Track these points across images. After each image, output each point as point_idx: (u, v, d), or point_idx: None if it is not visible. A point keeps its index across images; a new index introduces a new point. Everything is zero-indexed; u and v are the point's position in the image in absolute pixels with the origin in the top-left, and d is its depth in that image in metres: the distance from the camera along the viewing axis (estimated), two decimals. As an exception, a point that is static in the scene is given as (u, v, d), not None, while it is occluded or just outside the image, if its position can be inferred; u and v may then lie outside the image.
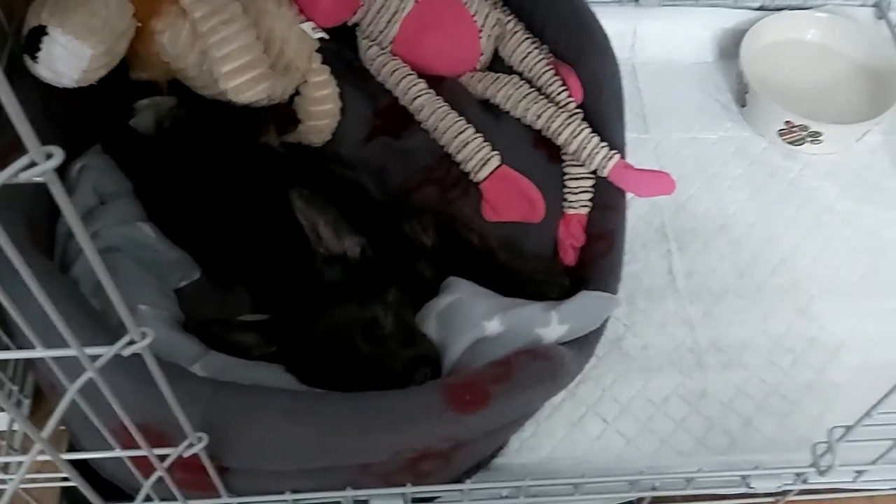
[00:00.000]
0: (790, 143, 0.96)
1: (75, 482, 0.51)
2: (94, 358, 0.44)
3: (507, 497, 0.69)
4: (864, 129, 0.95)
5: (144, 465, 0.56)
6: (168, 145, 0.79)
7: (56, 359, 0.45)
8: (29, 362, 0.65)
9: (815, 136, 0.94)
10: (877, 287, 0.87)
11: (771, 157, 0.97)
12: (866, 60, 1.01)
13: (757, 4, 1.05)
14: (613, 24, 0.96)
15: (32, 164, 0.33)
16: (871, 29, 1.04)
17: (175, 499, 0.62)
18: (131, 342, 0.44)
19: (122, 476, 0.63)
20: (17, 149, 0.34)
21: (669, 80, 1.03)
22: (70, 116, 0.76)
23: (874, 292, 0.86)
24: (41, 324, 0.41)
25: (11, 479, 0.51)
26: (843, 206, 0.93)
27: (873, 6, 1.06)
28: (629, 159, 0.81)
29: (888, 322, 0.84)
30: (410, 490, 0.64)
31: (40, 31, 0.67)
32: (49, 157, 0.33)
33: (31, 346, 0.43)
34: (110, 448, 0.52)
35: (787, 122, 0.94)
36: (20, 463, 0.64)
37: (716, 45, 1.05)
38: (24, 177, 0.32)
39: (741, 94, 0.99)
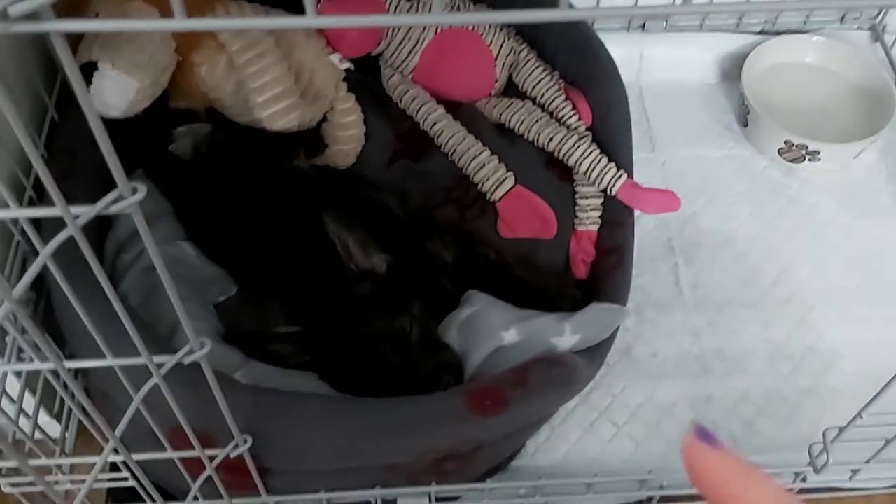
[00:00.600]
0: (790, 161, 1.01)
1: (139, 479, 0.57)
2: (159, 366, 0.49)
3: (524, 496, 0.74)
4: (860, 148, 1.00)
5: (193, 467, 0.61)
6: (205, 169, 0.85)
7: (122, 370, 0.50)
8: (83, 373, 0.71)
9: (814, 155, 0.98)
10: (872, 297, 0.91)
11: (772, 174, 1.02)
12: (862, 81, 1.06)
13: (758, 29, 1.09)
14: (621, 49, 1.01)
15: (120, 198, 0.39)
16: (867, 51, 1.09)
17: (218, 498, 0.67)
18: (191, 351, 0.49)
19: (165, 477, 0.68)
20: (68, 177, 0.38)
21: (675, 102, 1.07)
22: (115, 144, 0.81)
23: (870, 302, 0.91)
24: (102, 335, 0.47)
25: (82, 480, 0.56)
26: (841, 220, 0.98)
27: (869, 30, 1.11)
28: (637, 177, 0.86)
29: (883, 330, 0.88)
30: (435, 489, 0.69)
31: (91, 67, 0.73)
32: (135, 191, 0.38)
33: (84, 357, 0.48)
34: (156, 451, 0.57)
35: (786, 141, 0.98)
36: (68, 466, 0.70)
37: (719, 68, 1.10)
38: (115, 209, 0.38)
39: (743, 115, 1.04)
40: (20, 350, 0.66)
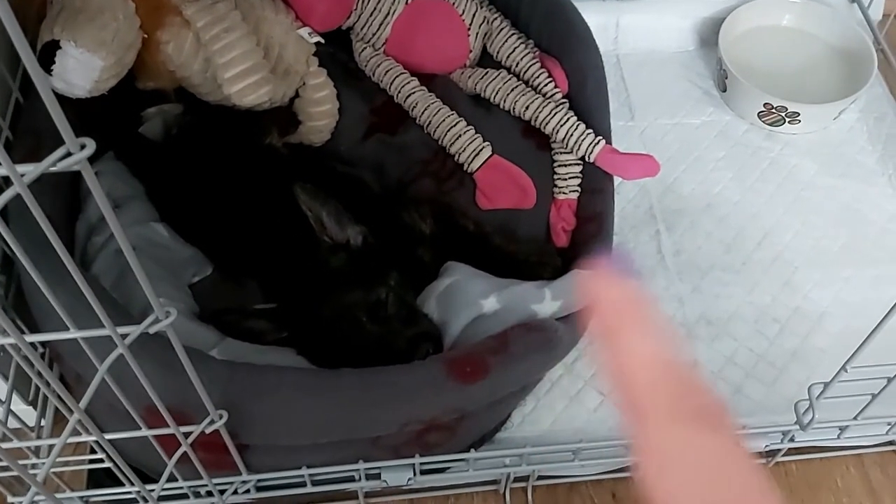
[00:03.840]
0: (770, 124, 1.00)
1: (113, 459, 0.56)
2: (124, 337, 0.48)
3: (510, 465, 0.73)
4: (840, 108, 0.99)
5: (169, 445, 0.60)
6: (176, 150, 0.83)
7: (87, 342, 0.49)
8: (55, 355, 0.69)
9: (794, 117, 0.98)
10: (856, 257, 0.91)
11: (752, 138, 1.01)
12: (840, 43, 1.05)
13: (734, -7, 1.09)
14: (597, 17, 1.01)
15: (68, 155, 0.37)
16: (844, 12, 1.08)
17: (197, 478, 0.66)
18: (156, 321, 0.48)
19: (144, 459, 0.67)
20: (37, 156, 0.38)
21: (652, 70, 1.07)
22: (83, 125, 0.80)
23: (854, 262, 0.90)
24: (70, 311, 0.45)
25: (61, 464, 0.55)
26: (822, 181, 0.97)
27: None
28: (616, 146, 0.85)
29: (867, 289, 0.88)
30: (419, 461, 0.68)
31: (54, 46, 0.71)
32: (83, 147, 0.37)
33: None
34: (100, 437, 0.56)
35: (766, 104, 0.98)
36: (46, 452, 0.68)
37: (696, 34, 1.09)
38: (62, 165, 0.36)
39: (721, 80, 1.03)
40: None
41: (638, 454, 0.24)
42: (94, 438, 0.54)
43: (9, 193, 0.37)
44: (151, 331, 0.48)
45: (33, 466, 0.67)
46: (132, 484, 0.63)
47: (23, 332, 0.46)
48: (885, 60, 1.02)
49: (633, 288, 0.26)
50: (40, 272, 0.42)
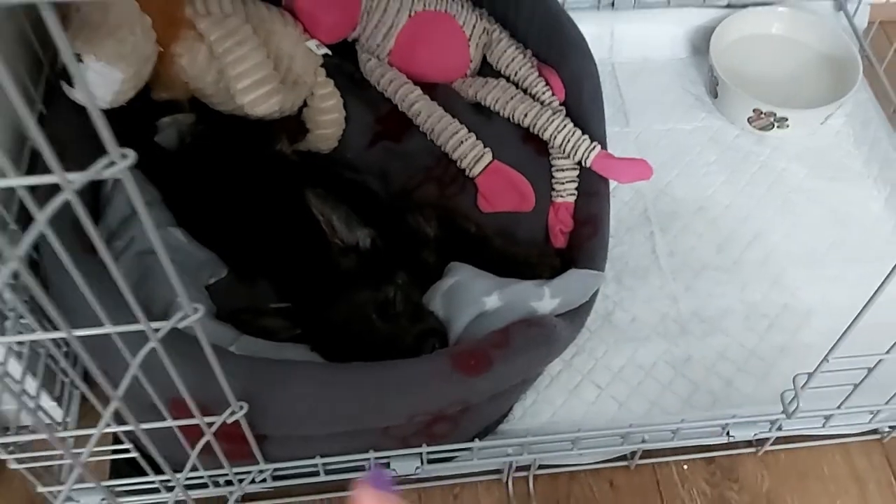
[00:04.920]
0: (759, 129, 1.04)
1: (138, 447, 0.59)
2: (155, 332, 0.52)
3: (512, 455, 0.77)
4: (827, 113, 1.03)
5: (192, 436, 0.64)
6: (191, 158, 0.87)
7: (119, 338, 0.53)
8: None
9: (783, 122, 1.02)
10: (843, 257, 0.94)
11: (742, 142, 1.05)
12: (827, 49, 1.09)
13: (724, 3, 1.12)
14: (592, 27, 1.05)
15: (111, 164, 0.41)
16: (831, 20, 1.12)
17: (217, 468, 0.70)
18: (185, 316, 0.52)
19: (162, 451, 0.70)
20: (64, 158, 0.41)
21: (646, 77, 1.10)
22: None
23: (840, 262, 0.94)
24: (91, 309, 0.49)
25: (80, 452, 0.58)
26: (811, 184, 1.01)
27: (832, -1, 1.14)
28: (612, 151, 0.89)
29: (854, 288, 0.90)
30: (426, 450, 0.72)
31: (76, 59, 0.75)
32: (125, 157, 0.41)
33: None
34: (137, 427, 0.59)
35: (755, 109, 1.01)
36: (72, 442, 0.72)
37: (688, 43, 1.13)
38: (107, 173, 0.40)
39: (713, 87, 1.07)
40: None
41: None
42: (125, 428, 0.58)
43: (59, 199, 0.40)
44: (181, 325, 0.51)
45: (61, 457, 0.70)
46: (158, 473, 0.67)
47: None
48: (870, 67, 1.06)
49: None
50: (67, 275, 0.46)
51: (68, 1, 0.33)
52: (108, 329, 0.51)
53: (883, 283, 0.58)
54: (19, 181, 0.41)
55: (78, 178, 0.40)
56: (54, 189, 0.40)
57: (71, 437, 0.70)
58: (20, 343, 0.72)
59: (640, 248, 0.95)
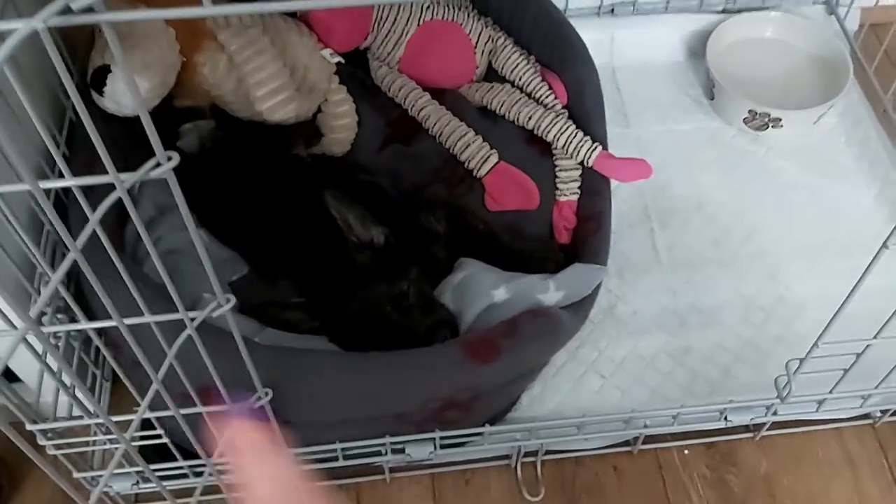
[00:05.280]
0: (755, 129, 1.08)
1: (181, 431, 0.63)
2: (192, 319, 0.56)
3: (520, 440, 0.81)
4: (819, 113, 1.07)
5: (219, 422, 0.68)
6: (212, 162, 0.92)
7: (155, 327, 0.57)
8: (113, 346, 0.77)
9: (777, 122, 1.06)
10: (836, 250, 0.98)
11: (739, 142, 1.09)
12: (819, 52, 1.13)
13: (720, 8, 1.17)
14: (594, 33, 1.09)
15: (157, 165, 0.45)
16: (823, 23, 1.16)
17: (242, 453, 0.74)
18: (218, 306, 0.56)
19: (184, 437, 0.74)
20: (92, 171, 0.45)
21: (646, 80, 1.14)
22: (129, 141, 0.88)
23: (833, 255, 0.98)
24: (126, 302, 0.53)
25: (122, 437, 0.62)
26: (805, 181, 1.05)
27: (824, 3, 1.18)
28: (612, 151, 0.93)
29: (846, 280, 0.94)
30: (439, 435, 0.76)
31: (105, 70, 0.80)
32: (170, 159, 0.45)
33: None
34: (176, 412, 0.63)
35: (750, 110, 1.06)
36: (105, 430, 0.76)
37: (685, 47, 1.17)
38: (155, 174, 0.45)
39: (709, 89, 1.11)
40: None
41: None
42: (161, 413, 0.62)
43: (112, 198, 0.45)
44: (215, 314, 0.56)
45: (94, 444, 0.75)
46: (189, 458, 0.71)
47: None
48: (861, 68, 1.10)
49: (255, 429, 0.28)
50: (107, 269, 0.50)
51: (124, 21, 0.36)
52: (148, 318, 0.55)
53: (864, 273, 0.62)
54: (75, 181, 0.46)
55: (129, 178, 0.45)
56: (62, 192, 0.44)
57: (102, 424, 0.74)
58: (56, 337, 0.76)
59: (641, 243, 0.99)
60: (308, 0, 0.35)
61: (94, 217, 0.46)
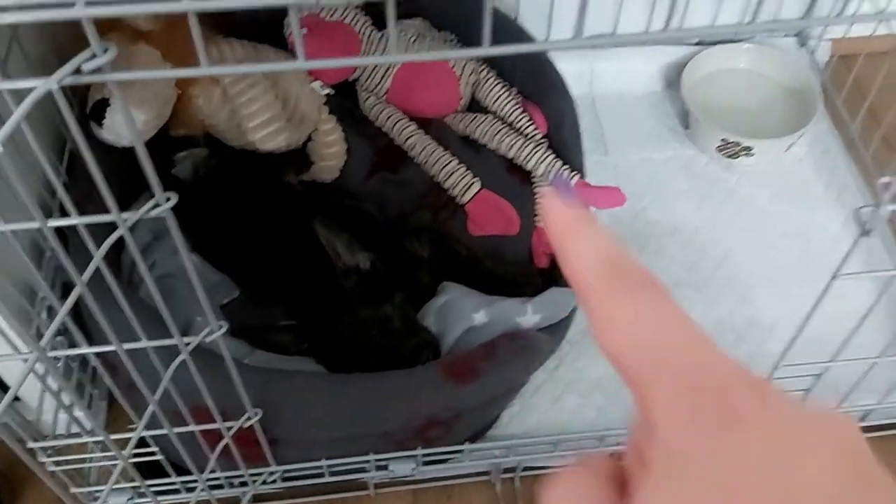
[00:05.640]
0: (727, 157, 1.12)
1: (173, 448, 0.67)
2: (186, 344, 0.60)
3: (499, 457, 0.84)
4: (789, 142, 1.12)
5: (211, 440, 0.72)
6: (205, 188, 0.96)
7: (142, 354, 0.60)
8: (111, 368, 0.81)
9: (748, 150, 1.10)
10: (804, 275, 1.01)
11: (712, 170, 1.13)
12: (790, 83, 1.18)
13: (695, 41, 1.22)
14: (574, 64, 1.14)
15: (156, 206, 0.49)
16: (794, 55, 1.21)
17: (232, 470, 0.77)
18: (211, 332, 0.60)
19: (178, 455, 0.78)
20: (91, 199, 0.48)
21: (624, 110, 1.19)
22: (126, 169, 0.92)
23: (802, 279, 1.01)
24: (124, 328, 0.57)
25: (114, 457, 0.66)
26: (775, 208, 1.09)
27: (795, 36, 1.23)
28: (591, 178, 0.97)
29: (814, 302, 1.00)
30: (421, 452, 0.80)
31: (104, 103, 0.83)
32: (168, 199, 0.49)
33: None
34: (170, 431, 0.67)
35: (723, 139, 1.10)
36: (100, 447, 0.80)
37: (662, 77, 1.22)
38: (154, 213, 0.49)
39: (685, 118, 1.16)
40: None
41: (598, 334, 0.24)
42: (157, 432, 0.66)
43: (114, 236, 0.49)
44: (208, 340, 0.60)
45: (90, 461, 0.78)
46: (182, 474, 0.74)
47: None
48: (830, 98, 1.15)
49: (578, 206, 0.26)
50: (107, 296, 0.54)
51: (130, 79, 0.38)
52: (145, 343, 0.59)
53: (816, 302, 0.66)
54: (80, 220, 0.49)
55: (131, 217, 0.49)
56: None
57: (99, 441, 0.77)
58: (56, 359, 0.79)
59: (618, 267, 1.03)
60: (310, 62, 0.40)
61: (99, 253, 0.50)
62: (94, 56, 0.40)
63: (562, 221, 0.26)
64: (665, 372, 0.22)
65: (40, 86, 0.39)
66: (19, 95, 0.41)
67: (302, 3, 0.37)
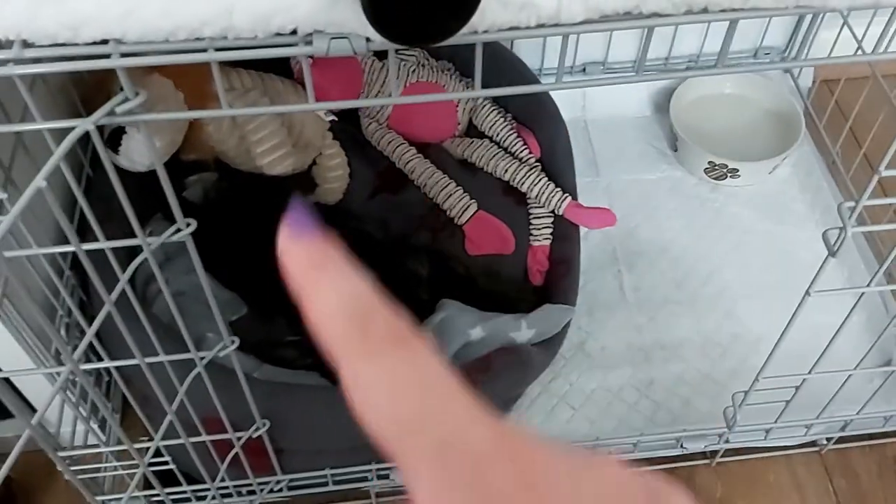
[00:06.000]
0: (714, 178, 1.17)
1: (188, 457, 0.71)
2: (201, 358, 0.64)
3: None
4: (774, 164, 1.16)
5: (221, 450, 0.76)
6: (214, 211, 1.00)
7: (166, 366, 0.65)
8: (126, 381, 0.85)
9: (734, 172, 1.15)
10: (789, 292, 1.04)
11: (700, 191, 1.18)
12: (774, 107, 1.23)
13: (683, 66, 1.27)
14: (567, 90, 1.18)
15: (177, 231, 0.54)
16: (778, 80, 1.26)
17: (240, 479, 0.82)
18: (224, 347, 0.64)
19: (188, 464, 0.82)
20: (107, 222, 0.53)
21: (615, 133, 1.24)
22: (139, 192, 0.97)
23: (786, 296, 1.04)
24: (141, 343, 0.61)
25: (127, 467, 0.70)
26: (760, 227, 1.14)
27: (780, 61, 1.28)
28: (583, 199, 1.02)
29: (798, 318, 1.04)
30: (421, 462, 0.83)
31: (120, 131, 0.88)
32: (188, 224, 0.54)
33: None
34: (186, 441, 0.71)
35: (710, 161, 1.15)
36: (115, 457, 0.84)
37: (652, 102, 1.27)
38: (176, 238, 0.53)
39: (673, 142, 1.21)
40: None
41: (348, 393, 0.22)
42: (171, 441, 0.70)
43: (139, 259, 0.53)
44: (221, 354, 0.64)
45: (105, 470, 0.82)
46: (194, 483, 0.79)
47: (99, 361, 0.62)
48: (813, 122, 1.20)
49: (312, 243, 0.23)
50: (125, 313, 0.58)
51: (159, 120, 0.42)
52: (163, 357, 0.63)
53: (792, 317, 0.71)
54: (107, 244, 0.54)
55: (154, 241, 0.53)
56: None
57: (115, 451, 0.81)
58: (72, 374, 0.84)
59: (609, 284, 1.08)
60: (320, 104, 0.44)
61: (125, 276, 0.55)
62: (126, 99, 0.44)
63: (299, 263, 0.23)
64: (416, 443, 0.21)
65: (79, 126, 0.44)
66: (59, 133, 0.46)
67: (313, 52, 0.42)
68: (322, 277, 0.23)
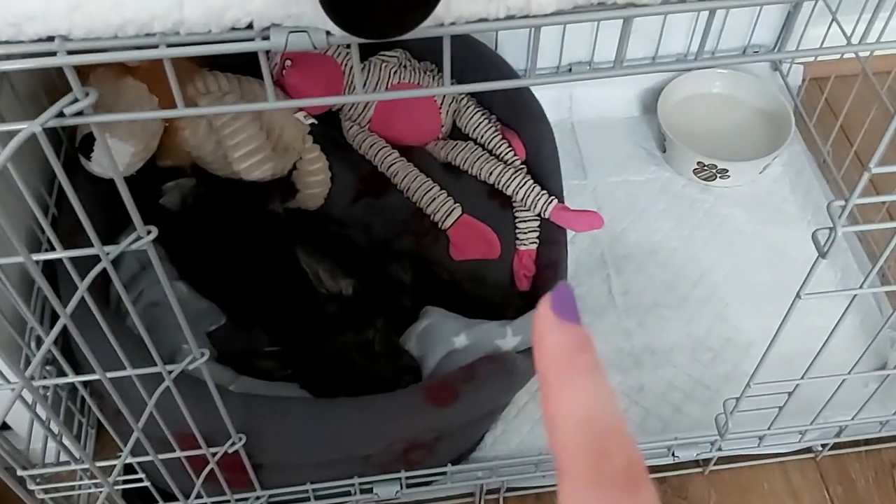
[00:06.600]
0: (704, 179, 1.15)
1: (160, 474, 0.68)
2: (170, 372, 0.62)
3: (482, 478, 0.86)
4: (764, 164, 1.14)
5: (196, 466, 0.73)
6: (192, 218, 0.98)
7: (135, 379, 0.62)
8: (98, 396, 0.82)
9: (724, 173, 1.13)
10: (780, 293, 1.02)
11: (689, 192, 1.16)
12: (763, 106, 1.21)
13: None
14: (553, 90, 1.17)
15: (138, 238, 0.51)
16: (767, 79, 1.25)
17: (218, 495, 0.79)
18: (194, 359, 0.62)
19: (164, 481, 0.79)
20: (80, 230, 0.50)
21: (602, 134, 1.22)
22: (113, 200, 0.94)
23: (778, 298, 1.02)
24: (111, 356, 0.58)
25: (101, 484, 0.67)
26: (751, 227, 1.12)
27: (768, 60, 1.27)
28: (571, 202, 0.99)
29: (790, 321, 1.02)
30: (405, 475, 0.81)
31: (92, 137, 0.86)
32: (149, 233, 0.51)
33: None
34: (155, 457, 0.68)
35: (699, 162, 1.13)
36: (89, 474, 0.81)
37: (639, 103, 1.25)
38: (135, 246, 0.51)
39: (661, 142, 1.19)
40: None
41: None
42: (142, 459, 0.67)
43: (97, 269, 0.51)
44: (190, 367, 0.61)
45: (80, 487, 0.80)
46: (168, 500, 0.76)
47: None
48: (802, 121, 1.18)
49: (573, 333, 0.22)
50: (93, 326, 0.56)
51: (112, 121, 0.40)
52: (129, 371, 0.61)
53: (782, 322, 0.69)
54: (65, 254, 0.51)
55: (113, 251, 0.51)
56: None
57: (87, 469, 0.78)
58: (45, 388, 0.81)
59: (598, 288, 1.05)
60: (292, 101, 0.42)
61: (83, 286, 0.52)
62: (75, 100, 0.42)
63: (555, 351, 0.22)
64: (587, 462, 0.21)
65: (25, 129, 0.41)
66: (8, 136, 0.43)
67: (270, 47, 0.39)
68: (574, 379, 0.22)
